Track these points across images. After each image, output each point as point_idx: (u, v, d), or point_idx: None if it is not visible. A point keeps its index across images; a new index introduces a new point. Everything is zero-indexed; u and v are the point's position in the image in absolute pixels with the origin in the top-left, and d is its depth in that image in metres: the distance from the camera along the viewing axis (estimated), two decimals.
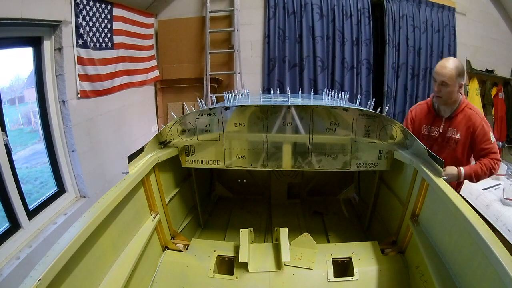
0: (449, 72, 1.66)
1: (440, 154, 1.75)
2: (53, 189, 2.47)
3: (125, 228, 1.40)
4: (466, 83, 4.21)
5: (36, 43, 2.26)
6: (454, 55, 3.99)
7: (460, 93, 1.78)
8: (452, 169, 1.66)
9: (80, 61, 2.50)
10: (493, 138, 1.73)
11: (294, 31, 3.76)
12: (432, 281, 1.23)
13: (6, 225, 1.99)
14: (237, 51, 3.74)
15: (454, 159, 1.80)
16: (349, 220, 2.42)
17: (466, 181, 1.84)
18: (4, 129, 1.96)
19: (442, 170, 1.37)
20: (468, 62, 4.15)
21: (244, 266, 1.54)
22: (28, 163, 2.81)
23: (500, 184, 2.49)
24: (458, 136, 1.79)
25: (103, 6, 2.75)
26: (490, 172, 1.69)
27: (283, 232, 1.65)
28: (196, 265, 1.60)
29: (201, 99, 2.23)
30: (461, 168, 1.67)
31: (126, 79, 3.18)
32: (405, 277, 1.51)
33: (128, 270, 1.27)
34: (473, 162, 1.86)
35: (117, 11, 2.96)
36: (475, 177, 1.69)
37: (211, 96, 2.41)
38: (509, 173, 2.65)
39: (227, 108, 1.80)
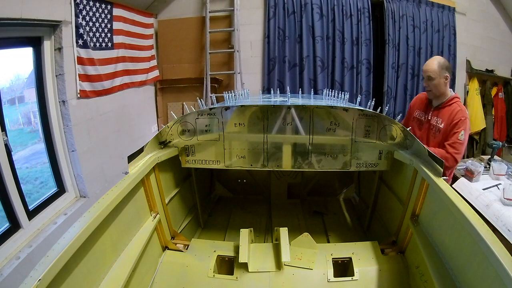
0: (432, 67, 1.93)
1: (424, 138, 2.07)
2: (53, 189, 2.47)
3: (125, 228, 1.40)
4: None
5: (36, 43, 2.26)
6: (454, 55, 4.00)
7: (451, 89, 2.01)
8: None
9: (80, 61, 2.50)
10: (462, 138, 1.86)
11: (294, 31, 3.75)
12: (432, 281, 1.23)
13: (6, 225, 1.99)
14: (237, 51, 3.74)
15: (436, 145, 2.01)
16: (349, 220, 2.42)
17: (465, 181, 1.82)
18: (4, 129, 1.95)
19: (442, 170, 1.37)
20: (468, 62, 4.15)
21: (244, 266, 1.54)
22: (28, 163, 2.81)
23: (500, 184, 2.49)
24: (441, 125, 1.98)
25: (103, 6, 2.75)
26: None
27: (283, 232, 1.65)
28: (196, 265, 1.60)
29: (201, 99, 2.23)
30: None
31: (126, 79, 3.18)
32: (405, 277, 1.51)
33: (128, 270, 1.27)
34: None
35: (117, 11, 2.96)
36: None
37: (211, 96, 2.41)
38: (509, 173, 2.64)
39: (227, 108, 1.80)
